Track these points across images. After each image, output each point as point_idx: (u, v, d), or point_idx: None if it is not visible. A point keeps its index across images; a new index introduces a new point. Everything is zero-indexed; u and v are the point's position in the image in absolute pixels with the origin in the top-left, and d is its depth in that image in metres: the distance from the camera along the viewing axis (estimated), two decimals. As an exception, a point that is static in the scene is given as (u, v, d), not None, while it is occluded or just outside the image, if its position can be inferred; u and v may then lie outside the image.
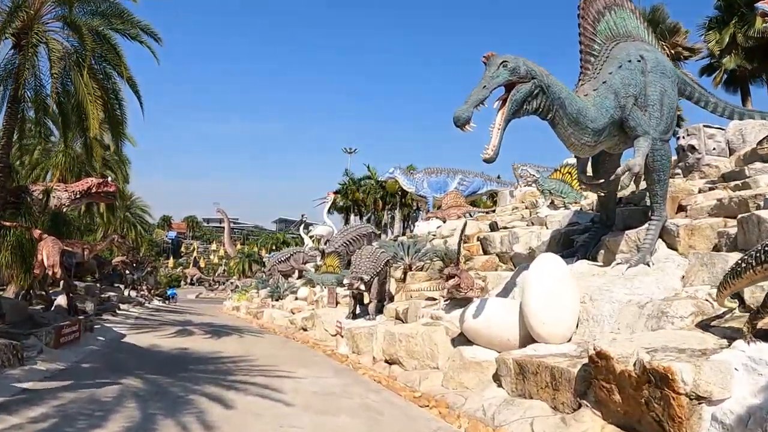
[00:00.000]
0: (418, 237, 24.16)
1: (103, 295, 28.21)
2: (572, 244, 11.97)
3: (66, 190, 18.41)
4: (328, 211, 42.42)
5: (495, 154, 7.51)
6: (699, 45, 31.35)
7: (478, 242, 17.24)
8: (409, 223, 52.07)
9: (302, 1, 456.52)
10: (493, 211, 25.43)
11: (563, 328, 8.43)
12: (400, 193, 53.15)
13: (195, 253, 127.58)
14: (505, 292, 10.89)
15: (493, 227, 18.54)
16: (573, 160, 15.11)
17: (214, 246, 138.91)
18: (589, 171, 10.69)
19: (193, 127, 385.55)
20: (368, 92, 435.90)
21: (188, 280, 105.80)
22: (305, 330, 19.19)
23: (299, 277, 33.53)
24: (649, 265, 9.23)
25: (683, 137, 13.60)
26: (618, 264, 9.60)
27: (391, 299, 16.29)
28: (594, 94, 9.04)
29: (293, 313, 22.99)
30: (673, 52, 29.42)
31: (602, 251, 10.73)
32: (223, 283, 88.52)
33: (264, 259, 57.90)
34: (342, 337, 14.79)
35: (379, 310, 15.34)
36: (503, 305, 9.60)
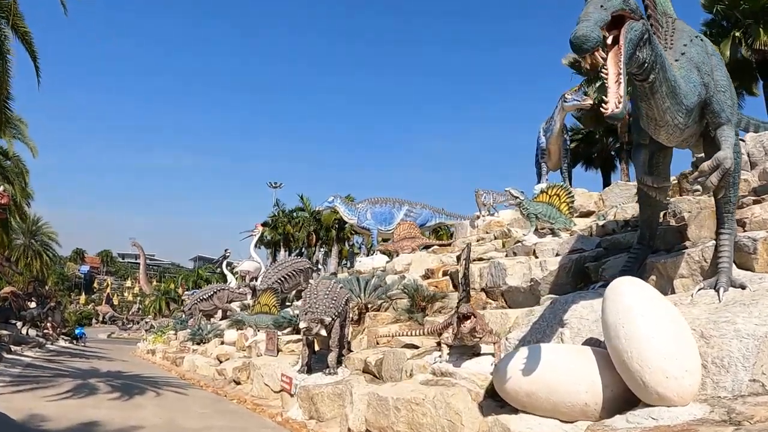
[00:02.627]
0: (361, 274, 21.40)
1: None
2: (586, 274, 10.50)
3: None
4: (256, 245, 39.34)
5: (624, 107, 5.51)
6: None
7: (447, 277, 15.14)
8: (346, 259, 48.68)
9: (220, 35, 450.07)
10: (449, 244, 23.13)
11: (693, 381, 5.65)
12: (336, 226, 50.24)
13: (108, 290, 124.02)
14: (542, 335, 8.24)
15: (460, 259, 15.89)
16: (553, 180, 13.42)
17: (128, 283, 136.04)
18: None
19: (110, 158, 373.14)
20: (293, 128, 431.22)
21: (100, 318, 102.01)
22: (238, 383, 15.78)
23: (223, 318, 29.89)
24: (744, 288, 6.98)
25: (701, 149, 11.71)
26: (702, 289, 7.32)
27: (349, 347, 13.25)
28: (677, 65, 6.92)
29: (220, 361, 19.44)
30: None
31: (653, 276, 8.77)
32: (138, 323, 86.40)
33: (183, 297, 54.51)
34: (292, 396, 11.76)
35: (339, 362, 12.25)
36: (573, 354, 6.82)
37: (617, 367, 6.06)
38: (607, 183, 29.67)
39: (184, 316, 36.68)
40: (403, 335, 11.76)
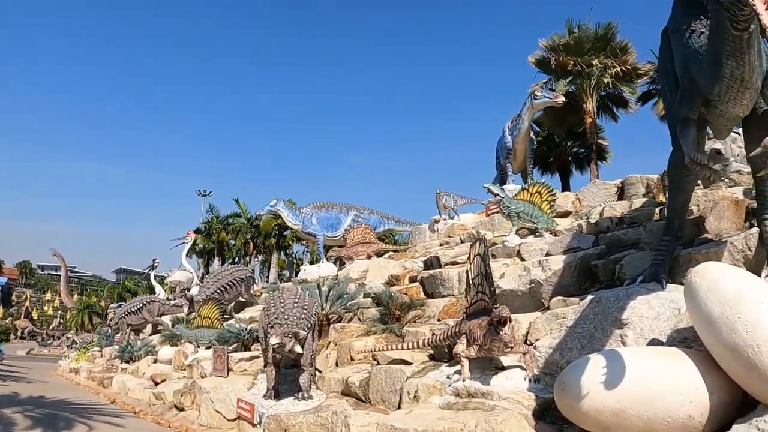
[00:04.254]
0: (308, 283, 19.58)
1: None
2: (591, 273, 9.97)
3: None
4: (188, 254, 37.02)
5: None
6: (647, 67, 28.67)
7: (416, 284, 13.98)
8: (283, 269, 46.22)
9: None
10: (406, 249, 22.03)
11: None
12: (277, 232, 47.83)
13: (27, 303, 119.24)
14: (588, 339, 7.18)
15: (431, 264, 14.98)
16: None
17: (48, 295, 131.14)
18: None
19: (26, 165, 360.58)
20: (218, 132, 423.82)
21: (19, 334, 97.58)
22: (181, 410, 13.60)
23: (154, 333, 27.52)
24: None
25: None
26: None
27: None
28: None
29: (156, 383, 17.10)
30: (621, 69, 26.75)
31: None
32: (59, 338, 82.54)
33: (109, 311, 51.47)
34: (255, 426, 9.99)
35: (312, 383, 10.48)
36: (661, 357, 5.65)
37: (729, 367, 5.16)
38: (566, 188, 28.35)
39: (110, 330, 33.72)
40: (389, 349, 10.13)
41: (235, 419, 11.40)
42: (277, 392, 10.21)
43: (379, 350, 10.30)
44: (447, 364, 8.97)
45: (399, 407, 8.44)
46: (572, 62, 26.65)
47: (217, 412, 11.94)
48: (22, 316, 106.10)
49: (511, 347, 7.26)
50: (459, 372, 7.99)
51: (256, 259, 51.48)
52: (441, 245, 18.53)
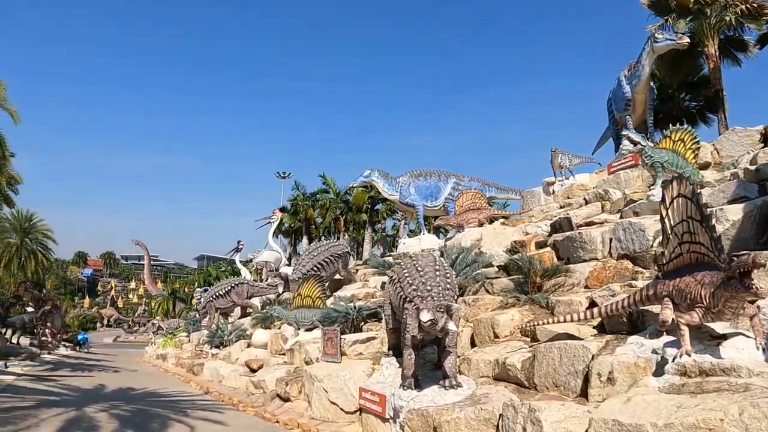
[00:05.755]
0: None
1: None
2: None
3: None
4: (274, 233, 35.52)
5: None
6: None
7: (547, 248, 12.31)
8: (375, 245, 44.00)
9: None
10: (519, 214, 20.06)
11: None
12: (368, 206, 45.91)
13: (113, 292, 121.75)
14: None
15: (561, 227, 13.03)
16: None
17: (132, 284, 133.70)
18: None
19: (110, 161, 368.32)
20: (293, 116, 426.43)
21: (105, 322, 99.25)
22: (285, 400, 11.84)
23: (243, 316, 26.09)
24: None
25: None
26: None
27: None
28: None
29: (252, 370, 15.38)
30: (746, 7, 23.61)
31: None
32: (144, 325, 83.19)
33: (195, 295, 50.57)
34: (387, 421, 8.27)
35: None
36: None
37: None
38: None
39: (197, 315, 32.65)
40: (550, 323, 8.23)
41: (355, 412, 9.75)
42: (417, 381, 8.21)
43: (539, 324, 8.34)
44: (639, 335, 6.99)
45: (582, 394, 6.72)
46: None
47: (332, 403, 10.15)
48: (108, 305, 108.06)
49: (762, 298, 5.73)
50: (671, 344, 6.16)
51: (344, 237, 49.32)
52: (561, 207, 16.69)
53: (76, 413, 11.27)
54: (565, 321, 7.92)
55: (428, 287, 7.75)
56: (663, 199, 6.65)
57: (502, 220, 19.24)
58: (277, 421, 10.65)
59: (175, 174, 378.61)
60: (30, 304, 36.15)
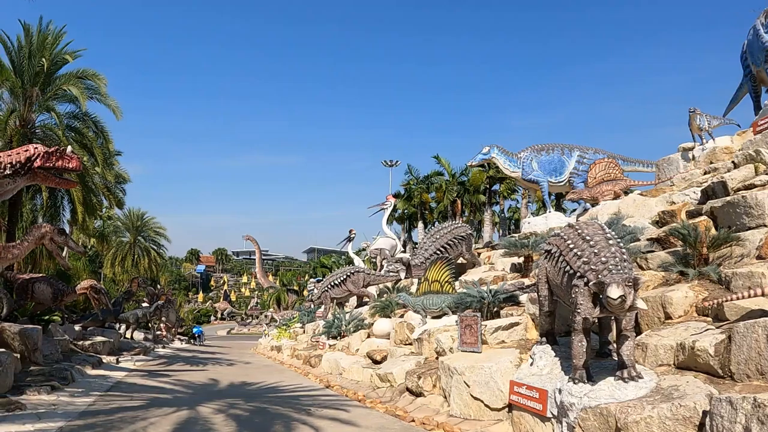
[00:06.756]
0: (537, 236, 16.35)
1: (84, 342, 19.76)
2: None
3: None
4: (387, 220, 34.72)
5: None
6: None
7: (702, 217, 10.98)
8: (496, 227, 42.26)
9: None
10: (656, 184, 17.82)
11: None
12: (487, 186, 44.16)
13: (225, 286, 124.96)
14: None
15: (715, 193, 11.92)
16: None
17: (244, 278, 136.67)
18: None
19: (214, 163, 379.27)
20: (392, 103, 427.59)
21: (219, 315, 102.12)
22: (417, 395, 10.63)
23: (359, 305, 25.16)
24: None
25: None
26: None
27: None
28: None
29: (375, 361, 14.27)
30: None
31: None
32: (257, 317, 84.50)
33: (308, 285, 50.33)
34: (547, 420, 7.11)
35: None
36: None
37: None
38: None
39: (312, 306, 32.09)
40: (753, 296, 6.54)
41: (503, 408, 8.44)
42: (590, 372, 6.79)
43: (727, 300, 6.81)
44: None
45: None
46: None
47: (475, 399, 8.84)
48: (221, 299, 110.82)
49: None
50: None
51: (461, 219, 47.54)
52: (706, 173, 14.96)
53: (189, 414, 10.27)
54: (757, 295, 6.37)
55: (602, 258, 6.38)
56: None
57: (639, 191, 17.59)
58: (413, 420, 9.38)
59: (280, 172, 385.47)
60: (145, 299, 36.51)
